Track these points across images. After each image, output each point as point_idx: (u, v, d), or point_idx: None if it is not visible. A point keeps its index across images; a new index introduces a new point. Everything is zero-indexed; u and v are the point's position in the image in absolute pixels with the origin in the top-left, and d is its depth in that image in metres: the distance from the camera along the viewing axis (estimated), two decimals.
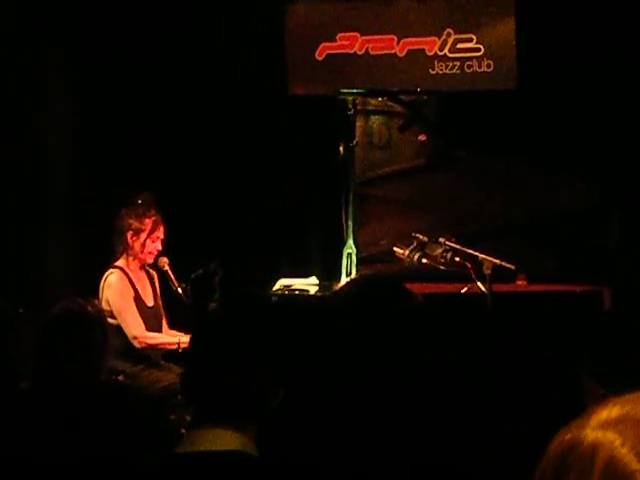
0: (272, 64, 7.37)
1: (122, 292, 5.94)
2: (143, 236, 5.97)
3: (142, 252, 6.00)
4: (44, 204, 7.33)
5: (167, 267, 6.11)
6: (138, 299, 6.00)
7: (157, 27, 7.33)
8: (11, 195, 7.12)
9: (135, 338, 5.89)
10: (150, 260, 6.08)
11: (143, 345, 5.90)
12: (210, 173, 7.34)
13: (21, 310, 5.42)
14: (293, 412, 2.41)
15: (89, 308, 3.68)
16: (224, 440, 2.22)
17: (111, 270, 6.00)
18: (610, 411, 1.08)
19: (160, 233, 6.02)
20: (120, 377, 5.79)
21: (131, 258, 6.01)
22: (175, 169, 7.28)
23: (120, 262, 6.02)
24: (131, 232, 5.96)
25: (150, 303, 6.09)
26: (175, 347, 5.91)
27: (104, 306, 5.92)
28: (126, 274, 5.99)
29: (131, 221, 5.96)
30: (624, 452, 1.03)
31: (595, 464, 1.04)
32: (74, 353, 3.40)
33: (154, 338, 5.98)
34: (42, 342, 3.46)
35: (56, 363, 3.36)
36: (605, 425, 1.06)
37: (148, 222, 5.97)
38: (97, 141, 7.37)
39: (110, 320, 5.90)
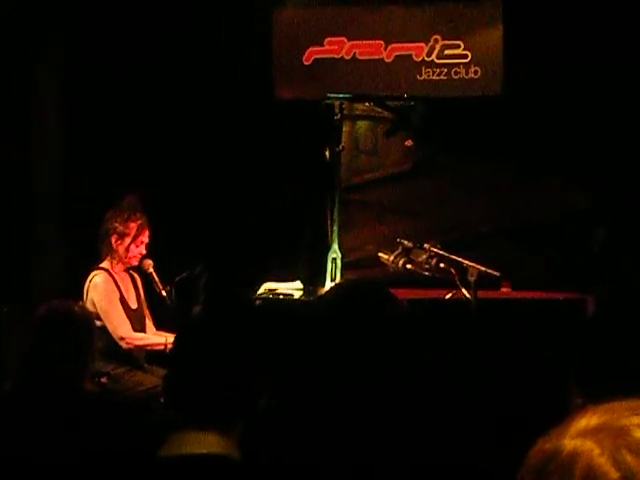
0: (259, 68, 7.37)
1: (108, 293, 5.92)
2: (127, 240, 5.95)
3: (126, 256, 5.99)
4: (34, 204, 7.31)
5: (152, 269, 6.10)
6: (123, 301, 5.99)
7: (149, 31, 7.32)
8: (1, 195, 7.11)
9: (122, 339, 5.87)
10: (135, 263, 6.07)
11: (131, 346, 5.89)
12: (195, 177, 7.33)
13: (5, 309, 5.41)
14: (276, 415, 2.41)
15: (76, 308, 3.68)
16: (206, 443, 2.22)
17: (96, 272, 5.98)
18: (589, 420, 1.08)
19: (144, 237, 6.00)
20: (103, 379, 5.77)
21: (115, 261, 5.99)
22: (161, 171, 7.27)
23: (105, 264, 6.01)
24: (116, 236, 5.95)
25: (134, 306, 6.07)
26: (162, 347, 5.89)
27: (89, 307, 5.91)
28: (111, 276, 5.98)
29: (116, 225, 5.94)
30: (602, 461, 1.03)
31: (574, 473, 1.04)
32: (66, 353, 3.39)
33: (141, 339, 5.97)
34: (32, 343, 3.44)
35: (46, 363, 3.35)
36: (584, 434, 1.07)
37: (133, 226, 5.95)
38: (88, 142, 7.36)
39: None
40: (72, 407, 3.22)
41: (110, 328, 5.86)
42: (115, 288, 5.97)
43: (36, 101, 7.29)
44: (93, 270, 5.99)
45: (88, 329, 3.62)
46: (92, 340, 3.63)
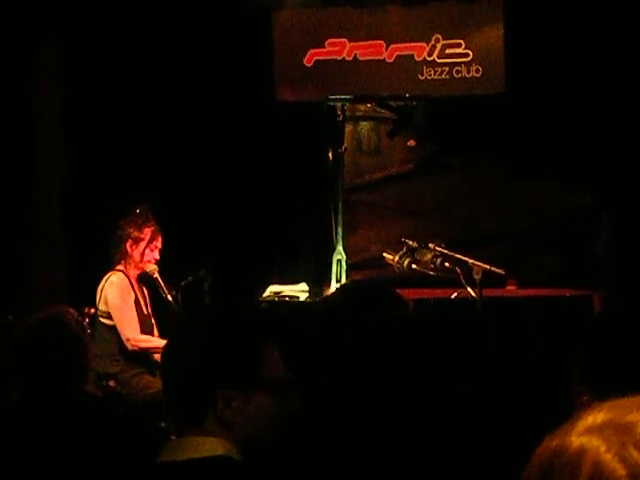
0: (260, 70, 7.37)
1: (122, 292, 5.98)
2: (142, 245, 6.01)
3: (141, 261, 6.03)
4: (36, 212, 7.32)
5: (157, 274, 6.12)
6: (137, 304, 6.03)
7: (149, 36, 7.32)
8: (2, 203, 7.11)
9: (128, 340, 5.92)
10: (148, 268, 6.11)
11: (135, 348, 5.93)
12: (198, 180, 7.33)
13: (10, 317, 5.41)
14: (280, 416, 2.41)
15: (67, 315, 3.63)
16: (207, 446, 2.20)
17: (112, 272, 6.03)
18: (596, 417, 1.08)
19: (158, 242, 6.07)
20: (111, 382, 5.79)
21: (129, 266, 6.04)
22: (164, 176, 7.27)
23: (120, 267, 6.05)
24: (130, 241, 6.00)
25: (146, 311, 6.12)
26: None
27: (102, 307, 5.94)
28: (127, 277, 6.03)
29: (131, 230, 6.00)
30: (609, 458, 1.03)
31: (581, 470, 1.04)
32: (61, 360, 3.38)
33: (146, 342, 6.00)
34: (26, 353, 3.42)
35: (44, 372, 3.34)
36: (591, 431, 1.06)
37: (147, 231, 6.01)
38: (90, 148, 7.37)
39: (106, 321, 5.93)
40: (76, 414, 3.21)
41: (119, 327, 5.91)
42: (131, 289, 6.02)
43: (38, 111, 7.29)
44: (109, 271, 6.03)
45: (80, 331, 3.58)
46: (85, 342, 3.58)
